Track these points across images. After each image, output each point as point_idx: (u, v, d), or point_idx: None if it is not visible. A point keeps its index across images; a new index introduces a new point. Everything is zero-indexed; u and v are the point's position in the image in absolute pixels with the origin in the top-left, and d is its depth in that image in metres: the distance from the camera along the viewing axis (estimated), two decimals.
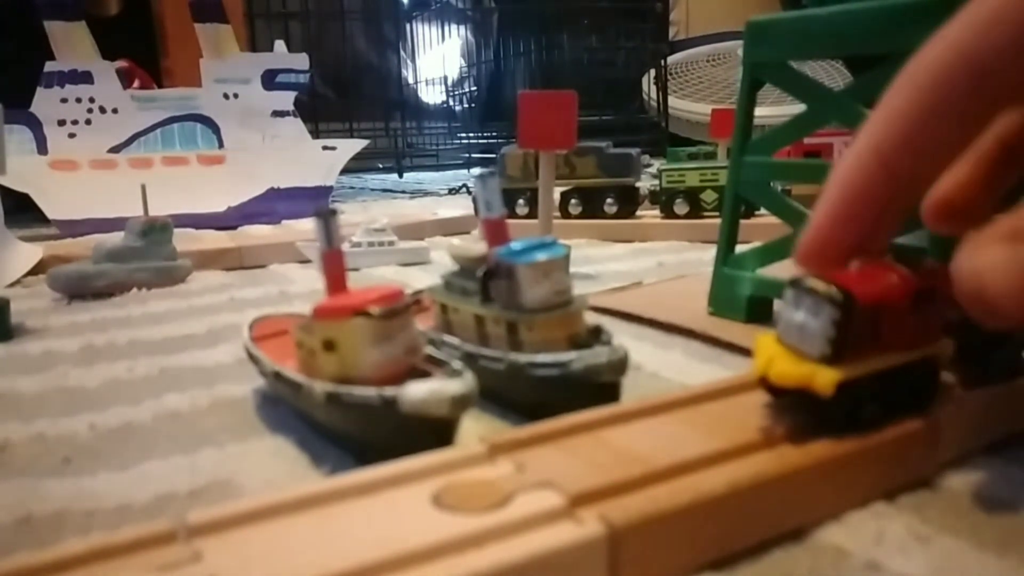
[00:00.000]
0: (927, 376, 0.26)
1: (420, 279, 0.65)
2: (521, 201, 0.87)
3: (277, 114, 1.26)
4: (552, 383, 0.30)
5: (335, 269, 0.29)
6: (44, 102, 1.15)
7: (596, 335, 0.32)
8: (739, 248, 0.46)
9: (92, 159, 1.15)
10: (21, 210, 1.03)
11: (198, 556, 0.18)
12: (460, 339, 0.34)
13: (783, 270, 0.44)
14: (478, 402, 0.28)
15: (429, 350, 0.30)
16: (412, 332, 0.29)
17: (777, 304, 0.23)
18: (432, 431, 0.26)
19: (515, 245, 0.32)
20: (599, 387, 0.30)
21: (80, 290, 0.64)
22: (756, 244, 0.46)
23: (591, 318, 0.34)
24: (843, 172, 0.24)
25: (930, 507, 0.24)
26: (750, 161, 0.44)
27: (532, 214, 0.82)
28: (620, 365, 0.30)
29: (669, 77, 2.07)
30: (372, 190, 1.74)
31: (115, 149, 1.17)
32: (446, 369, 0.29)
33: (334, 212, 0.29)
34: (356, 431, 0.28)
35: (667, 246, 0.80)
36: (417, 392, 0.26)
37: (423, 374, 0.28)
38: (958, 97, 0.22)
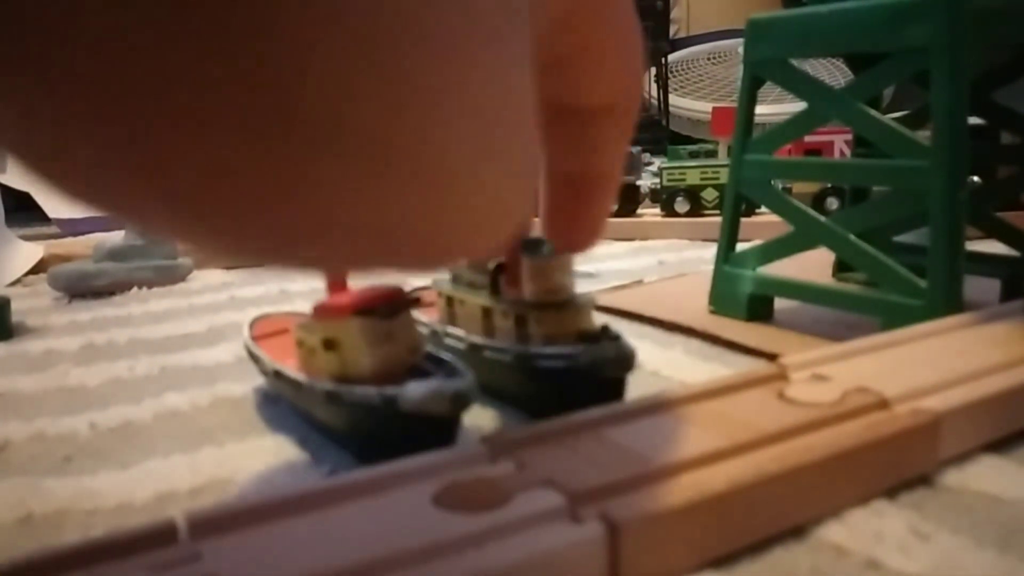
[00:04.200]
0: None
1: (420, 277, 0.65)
2: None
3: None
4: (558, 375, 0.30)
5: None
6: None
7: (604, 332, 0.32)
8: (740, 246, 0.46)
9: None
10: (22, 209, 1.03)
11: (198, 555, 0.18)
12: (465, 331, 0.34)
13: (784, 268, 0.44)
14: (480, 399, 0.28)
15: (429, 348, 0.30)
16: (412, 331, 0.29)
17: None
18: (432, 430, 0.26)
19: (524, 239, 0.32)
20: (605, 382, 0.30)
21: (81, 289, 0.64)
22: (757, 242, 0.46)
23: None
24: None
25: (930, 505, 0.24)
26: (751, 159, 0.44)
27: None
28: (627, 361, 0.30)
29: (670, 75, 2.07)
30: None
31: None
32: (446, 368, 0.29)
33: None
34: (356, 430, 0.28)
35: (668, 244, 0.79)
36: (417, 391, 0.26)
37: (423, 373, 0.28)
38: None
